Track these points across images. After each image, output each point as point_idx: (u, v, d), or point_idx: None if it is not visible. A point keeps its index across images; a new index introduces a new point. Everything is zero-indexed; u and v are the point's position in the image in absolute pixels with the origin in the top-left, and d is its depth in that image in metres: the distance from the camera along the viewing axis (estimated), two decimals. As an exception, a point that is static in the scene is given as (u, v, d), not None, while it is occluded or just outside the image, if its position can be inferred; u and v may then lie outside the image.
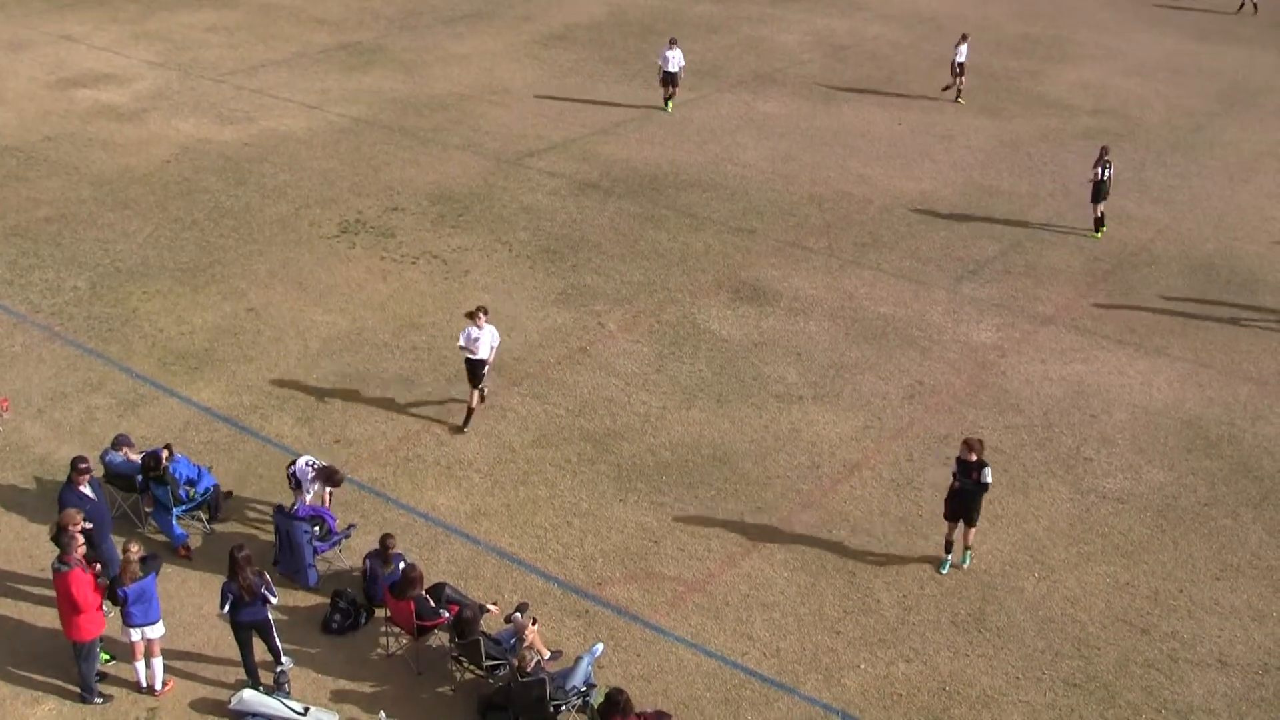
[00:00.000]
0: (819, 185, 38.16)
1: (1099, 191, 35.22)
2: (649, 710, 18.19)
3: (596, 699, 18.13)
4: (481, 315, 24.63)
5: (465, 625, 18.88)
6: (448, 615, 19.31)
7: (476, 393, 25.19)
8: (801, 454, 25.09)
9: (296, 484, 21.63)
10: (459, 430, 25.10)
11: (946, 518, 22.03)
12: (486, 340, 24.84)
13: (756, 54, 51.05)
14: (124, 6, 55.35)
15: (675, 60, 42.77)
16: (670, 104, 43.65)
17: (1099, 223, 35.64)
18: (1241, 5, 63.08)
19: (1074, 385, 28.06)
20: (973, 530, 22.04)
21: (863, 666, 19.95)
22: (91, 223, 33.78)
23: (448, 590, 19.94)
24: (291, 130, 40.72)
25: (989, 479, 21.58)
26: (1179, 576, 22.31)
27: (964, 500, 21.70)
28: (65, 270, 31.12)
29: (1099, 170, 34.86)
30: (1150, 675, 20.07)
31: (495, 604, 20.09)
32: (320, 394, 26.34)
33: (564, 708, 18.18)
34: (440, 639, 19.70)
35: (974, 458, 21.45)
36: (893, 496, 23.99)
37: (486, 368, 25.17)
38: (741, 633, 20.44)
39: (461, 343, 24.77)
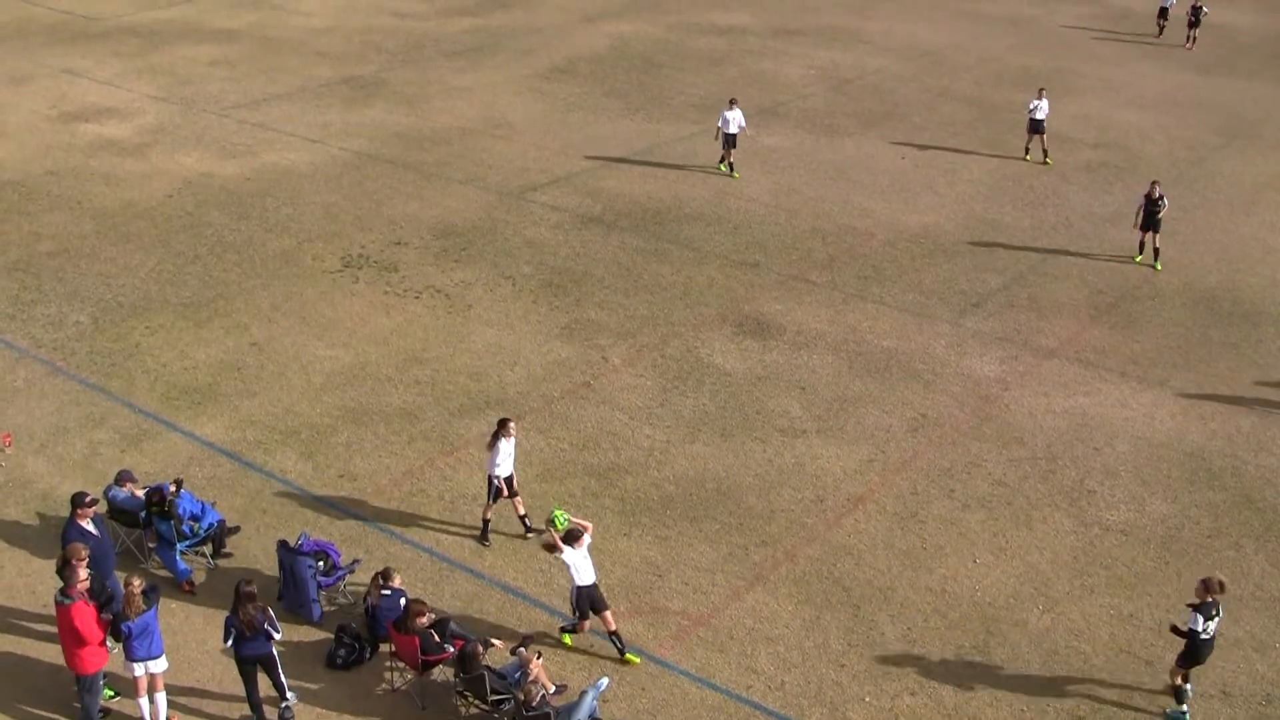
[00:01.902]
0: (822, 219, 38.22)
1: (1157, 222, 35.64)
2: (655, 745, 18.15)
3: (601, 734, 18.08)
4: (512, 426, 22.70)
5: (469, 660, 18.83)
6: (452, 650, 19.27)
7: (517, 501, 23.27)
8: (806, 487, 25.09)
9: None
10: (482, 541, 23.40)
11: None
12: (509, 457, 22.84)
13: (759, 87, 51.13)
14: (126, 40, 55.58)
15: (736, 121, 40.94)
16: (723, 165, 41.68)
17: (1157, 253, 36.05)
18: (1160, 30, 63.38)
19: (1077, 418, 28.06)
20: (1177, 671, 19.97)
21: (868, 699, 19.91)
22: (94, 257, 33.85)
23: (452, 625, 19.90)
24: (294, 164, 40.83)
25: (1189, 624, 19.53)
26: (1182, 608, 22.11)
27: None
28: (67, 305, 31.16)
29: (1161, 199, 35.35)
30: (1155, 707, 20.08)
31: (500, 639, 20.02)
32: (324, 429, 26.34)
33: (569, 742, 18.13)
34: (445, 674, 19.65)
35: (1201, 598, 19.60)
36: (897, 530, 23.97)
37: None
38: (746, 666, 20.40)
39: (499, 468, 22.59)
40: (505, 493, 22.82)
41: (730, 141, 41.05)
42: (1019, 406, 28.40)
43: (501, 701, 18.74)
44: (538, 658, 18.87)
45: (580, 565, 20.06)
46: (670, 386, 28.44)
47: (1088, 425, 27.80)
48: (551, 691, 18.80)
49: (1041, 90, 44.69)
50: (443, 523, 23.57)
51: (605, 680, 19.32)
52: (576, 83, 51.03)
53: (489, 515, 23.17)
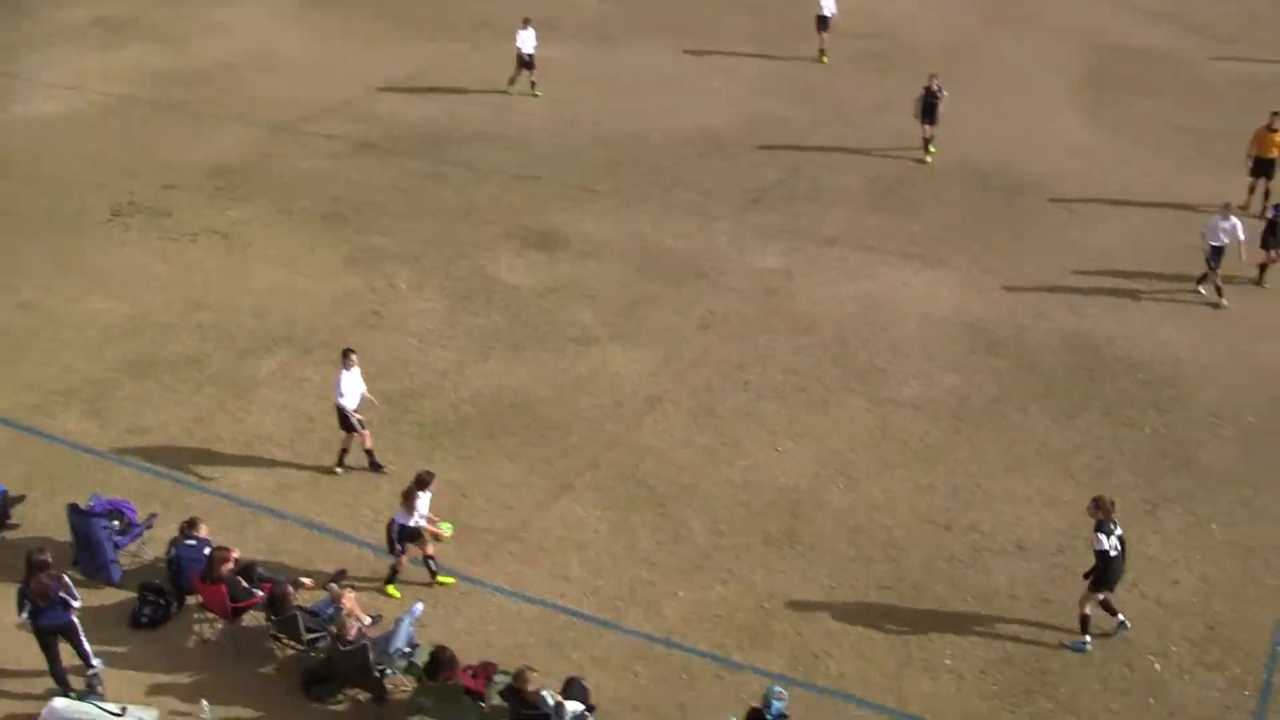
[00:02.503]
0: (601, 127, 38.19)
1: (935, 113, 36.05)
2: (475, 663, 18.16)
3: (421, 659, 18.10)
4: (351, 357, 22.54)
5: (280, 601, 18.61)
6: (261, 594, 18.99)
7: (357, 436, 22.89)
8: (602, 394, 25.24)
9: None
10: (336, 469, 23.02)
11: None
12: (357, 385, 22.66)
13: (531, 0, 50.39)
14: None
15: (530, 41, 40.15)
16: (511, 86, 40.79)
17: (929, 142, 36.56)
18: None
19: (863, 301, 28.76)
20: (1090, 597, 19.49)
21: (681, 594, 20.25)
22: None
23: (259, 569, 19.60)
24: (50, 115, 38.98)
25: (1098, 545, 18.93)
26: (975, 473, 23.29)
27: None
28: None
29: (940, 91, 35.85)
30: (955, 569, 20.95)
31: (309, 577, 19.81)
32: (107, 384, 25.51)
33: (389, 671, 18.09)
34: (256, 619, 19.30)
35: (1094, 517, 19.17)
36: (695, 426, 24.30)
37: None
38: (559, 575, 20.58)
39: (345, 398, 22.36)
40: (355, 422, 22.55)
41: (528, 61, 40.35)
42: (805, 295, 28.94)
43: (317, 639, 18.55)
44: (349, 591, 18.70)
45: None
46: (460, 307, 28.26)
47: (873, 308, 28.51)
48: (367, 623, 18.61)
49: None
50: (240, 466, 23.09)
51: (420, 606, 19.22)
52: (344, 8, 49.67)
53: (368, 445, 22.84)
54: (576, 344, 26.89)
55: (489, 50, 43.90)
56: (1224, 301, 29.03)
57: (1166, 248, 31.46)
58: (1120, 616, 19.64)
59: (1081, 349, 27.20)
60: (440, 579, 20.29)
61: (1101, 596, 19.45)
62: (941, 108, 36.05)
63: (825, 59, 44.58)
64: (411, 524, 19.80)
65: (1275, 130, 32.68)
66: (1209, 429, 24.71)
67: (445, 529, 20.48)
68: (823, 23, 44.48)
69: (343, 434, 22.80)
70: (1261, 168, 33.11)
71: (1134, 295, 29.42)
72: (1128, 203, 34.14)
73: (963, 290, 29.34)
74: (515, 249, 30.73)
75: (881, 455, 23.70)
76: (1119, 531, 19.09)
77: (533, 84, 40.74)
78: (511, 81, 40.83)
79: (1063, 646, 19.51)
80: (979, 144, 37.46)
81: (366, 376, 25.09)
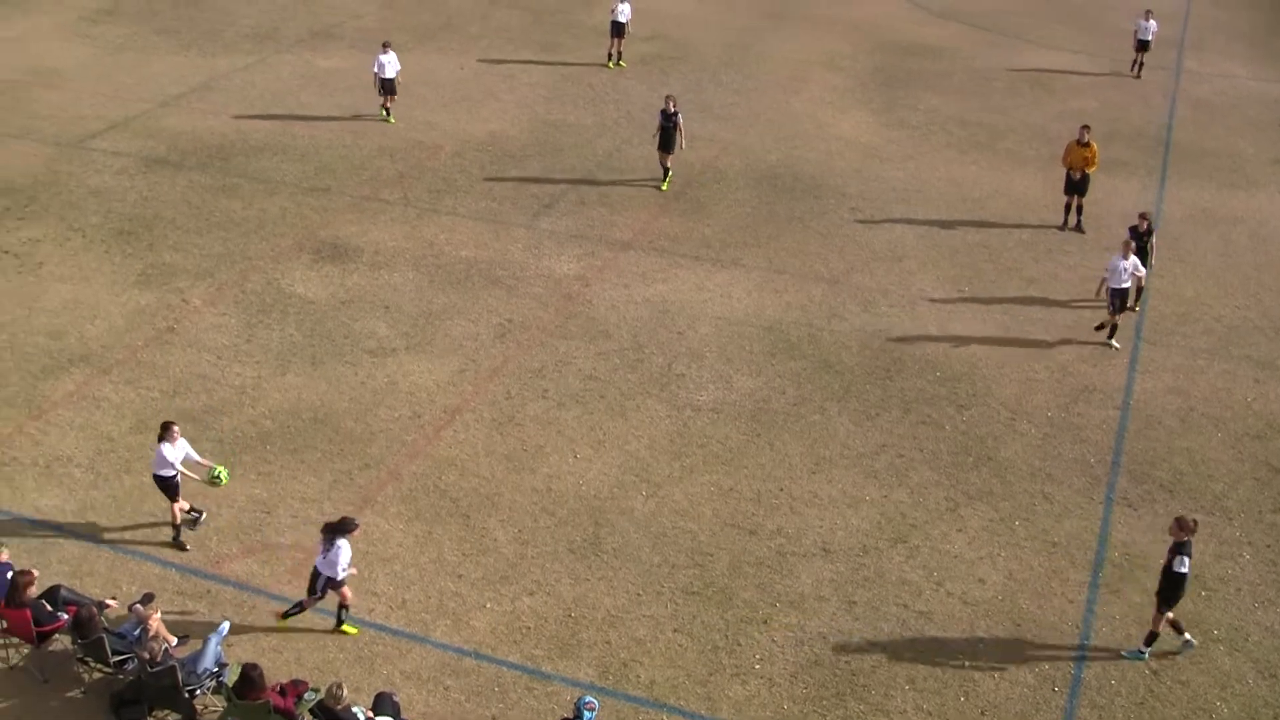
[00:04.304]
0: (388, 137, 38.39)
1: (669, 140, 34.85)
2: (285, 680, 18.33)
3: (230, 678, 18.16)
4: (174, 430, 21.25)
5: (86, 624, 18.60)
6: (66, 617, 18.97)
7: (177, 507, 21.87)
8: (401, 405, 25.52)
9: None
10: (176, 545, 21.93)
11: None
12: (179, 457, 21.40)
13: (311, 11, 50.39)
14: None
15: (392, 65, 39.30)
16: (386, 113, 39.93)
17: (666, 172, 35.68)
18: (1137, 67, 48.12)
19: (658, 305, 29.41)
20: (1161, 616, 19.92)
21: (489, 606, 20.61)
22: None
23: (63, 591, 19.54)
24: None
25: (1179, 568, 19.29)
26: (778, 476, 23.85)
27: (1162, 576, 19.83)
28: None
29: (676, 114, 34.53)
30: (762, 573, 21.47)
31: (114, 598, 19.83)
32: (-104, 410, 25.15)
33: (198, 691, 18.21)
34: (63, 642, 19.28)
35: (1176, 538, 19.45)
36: (496, 435, 24.70)
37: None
38: (366, 590, 20.79)
39: (166, 469, 21.25)
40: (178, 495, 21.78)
41: (389, 87, 39.48)
42: (601, 300, 29.52)
43: (125, 662, 18.59)
44: (156, 612, 18.76)
45: None
46: (255, 321, 28.32)
47: (669, 311, 29.17)
48: (174, 644, 18.75)
49: None
50: (40, 489, 22.92)
51: (226, 624, 19.36)
52: (124, 23, 48.97)
53: (177, 521, 21.89)
54: (373, 356, 27.14)
55: (274, 63, 43.78)
56: (1114, 344, 28.60)
57: (955, 244, 32.86)
58: (1187, 635, 20.05)
59: (877, 348, 28.06)
60: (346, 628, 20.03)
61: (1171, 616, 19.88)
62: (680, 136, 34.95)
63: (623, 64, 45.28)
64: (339, 577, 19.52)
65: (1084, 144, 33.18)
66: (1008, 424, 25.67)
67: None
68: (617, 29, 45.05)
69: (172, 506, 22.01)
70: (1073, 185, 33.59)
71: (925, 292, 30.48)
72: (916, 199, 35.44)
73: (757, 291, 30.14)
74: (308, 261, 30.87)
75: (683, 460, 24.18)
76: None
77: (387, 110, 39.99)
78: (384, 108, 40.02)
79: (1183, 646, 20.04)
80: (766, 143, 38.50)
81: (164, 395, 25.21)
